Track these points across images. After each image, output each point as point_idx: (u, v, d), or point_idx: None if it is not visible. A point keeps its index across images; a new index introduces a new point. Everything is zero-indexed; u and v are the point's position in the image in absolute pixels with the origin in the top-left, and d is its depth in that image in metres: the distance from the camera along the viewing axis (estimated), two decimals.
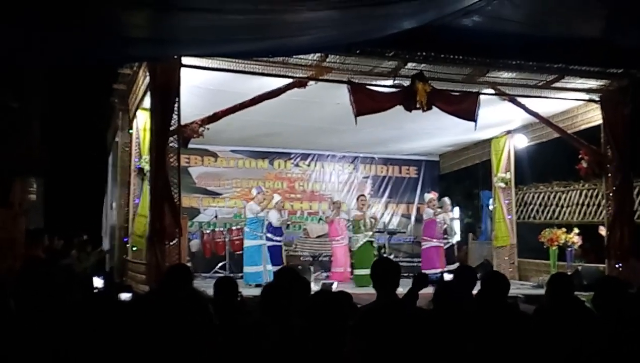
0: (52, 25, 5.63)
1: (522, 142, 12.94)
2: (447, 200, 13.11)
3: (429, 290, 4.46)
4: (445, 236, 12.71)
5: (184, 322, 2.75)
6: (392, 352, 3.39)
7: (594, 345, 3.78)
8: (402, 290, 4.71)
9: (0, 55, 6.35)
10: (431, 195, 13.02)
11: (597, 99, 10.35)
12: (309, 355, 2.97)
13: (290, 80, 8.80)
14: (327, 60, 8.64)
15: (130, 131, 10.56)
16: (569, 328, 4.01)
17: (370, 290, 4.54)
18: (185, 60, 8.00)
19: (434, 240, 12.46)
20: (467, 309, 3.99)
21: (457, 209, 17.13)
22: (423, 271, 12.17)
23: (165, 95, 8.04)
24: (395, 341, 3.45)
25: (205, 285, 8.93)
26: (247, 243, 11.52)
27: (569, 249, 11.66)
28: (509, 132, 13.06)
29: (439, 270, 11.87)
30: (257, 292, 8.74)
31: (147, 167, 8.95)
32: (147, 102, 8.62)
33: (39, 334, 3.10)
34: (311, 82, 8.87)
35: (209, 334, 2.81)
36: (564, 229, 11.67)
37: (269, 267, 11.26)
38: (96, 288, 6.15)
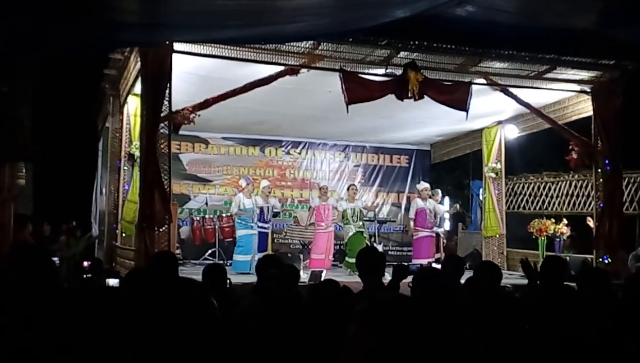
0: (41, 12, 5.57)
1: (513, 132, 12.95)
2: (439, 191, 13.23)
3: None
4: (435, 225, 12.76)
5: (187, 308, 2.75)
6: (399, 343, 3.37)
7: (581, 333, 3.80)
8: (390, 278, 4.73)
9: None
10: (426, 185, 13.03)
11: (589, 90, 10.38)
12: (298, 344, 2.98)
13: (282, 68, 8.76)
14: (320, 48, 8.61)
15: (121, 117, 10.52)
16: (562, 312, 4.03)
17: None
18: (176, 46, 7.96)
19: (426, 230, 12.47)
20: (458, 298, 3.99)
21: (446, 200, 17.17)
22: (413, 260, 12.24)
23: (157, 81, 8.01)
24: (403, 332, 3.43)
25: (194, 272, 8.94)
26: (241, 232, 11.54)
27: (558, 240, 11.71)
28: (500, 122, 13.07)
29: (429, 260, 11.90)
30: (245, 279, 8.77)
31: (137, 153, 8.92)
32: (138, 87, 8.58)
33: (28, 318, 3.09)
34: (303, 70, 8.84)
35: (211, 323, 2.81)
36: (552, 220, 11.71)
37: (257, 256, 11.28)
38: (85, 274, 6.15)
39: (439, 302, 3.64)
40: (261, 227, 11.84)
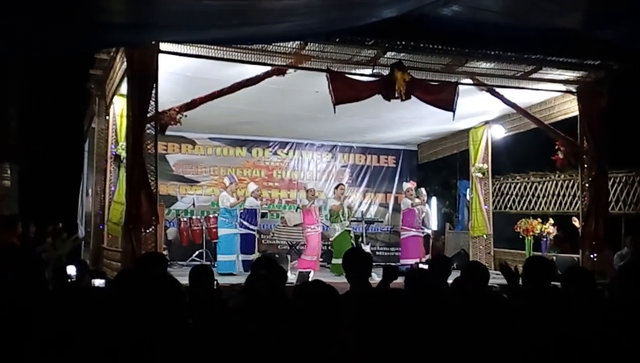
0: (28, 13, 5.54)
1: (499, 132, 13.00)
2: (423, 191, 13.16)
3: (399, 281, 4.47)
4: (422, 226, 12.76)
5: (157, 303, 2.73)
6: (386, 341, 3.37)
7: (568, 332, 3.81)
8: (379, 279, 4.73)
9: None
10: (409, 185, 13.05)
11: (574, 90, 10.43)
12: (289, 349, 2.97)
13: (269, 68, 8.75)
14: (307, 48, 8.60)
15: (107, 117, 10.46)
16: (548, 312, 4.04)
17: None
18: (163, 46, 7.92)
19: (413, 229, 12.47)
20: (445, 298, 4.00)
21: (434, 200, 17.21)
22: (402, 260, 12.25)
23: (143, 81, 7.97)
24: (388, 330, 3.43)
25: (181, 273, 8.91)
26: (222, 231, 11.50)
27: (544, 239, 11.77)
28: (486, 122, 13.12)
29: (417, 260, 11.90)
30: (232, 280, 8.75)
31: (123, 154, 8.87)
32: (124, 88, 8.54)
33: (22, 319, 3.07)
34: (290, 70, 8.83)
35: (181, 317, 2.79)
36: (539, 219, 11.77)
37: (242, 256, 11.28)
38: (70, 276, 6.10)
39: (427, 301, 3.64)
40: (250, 229, 11.85)
